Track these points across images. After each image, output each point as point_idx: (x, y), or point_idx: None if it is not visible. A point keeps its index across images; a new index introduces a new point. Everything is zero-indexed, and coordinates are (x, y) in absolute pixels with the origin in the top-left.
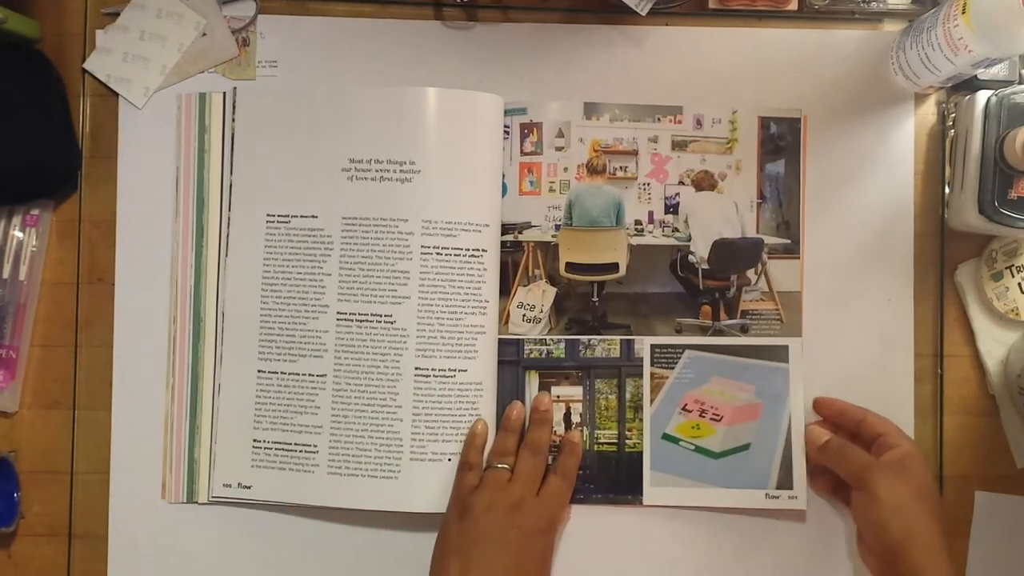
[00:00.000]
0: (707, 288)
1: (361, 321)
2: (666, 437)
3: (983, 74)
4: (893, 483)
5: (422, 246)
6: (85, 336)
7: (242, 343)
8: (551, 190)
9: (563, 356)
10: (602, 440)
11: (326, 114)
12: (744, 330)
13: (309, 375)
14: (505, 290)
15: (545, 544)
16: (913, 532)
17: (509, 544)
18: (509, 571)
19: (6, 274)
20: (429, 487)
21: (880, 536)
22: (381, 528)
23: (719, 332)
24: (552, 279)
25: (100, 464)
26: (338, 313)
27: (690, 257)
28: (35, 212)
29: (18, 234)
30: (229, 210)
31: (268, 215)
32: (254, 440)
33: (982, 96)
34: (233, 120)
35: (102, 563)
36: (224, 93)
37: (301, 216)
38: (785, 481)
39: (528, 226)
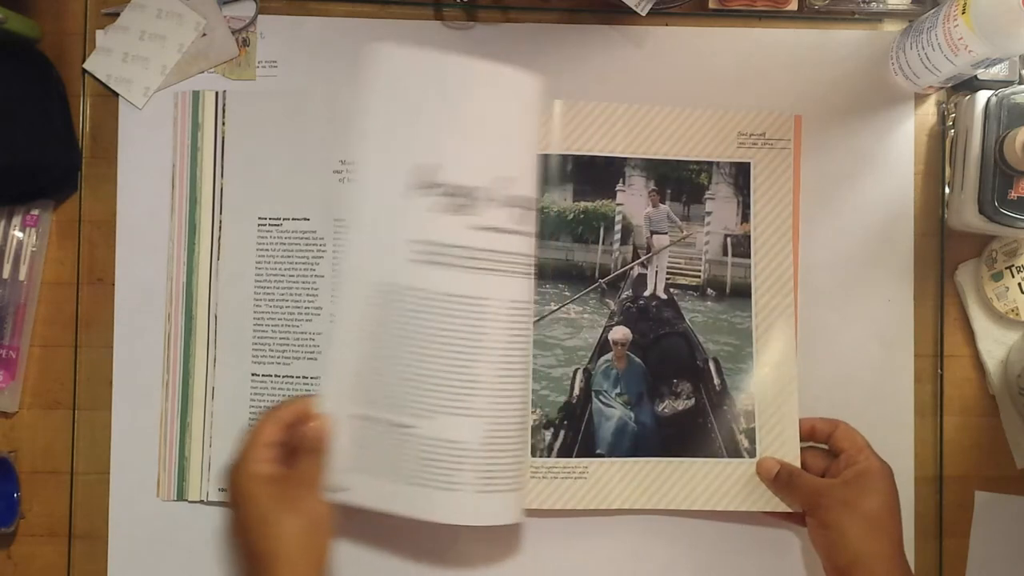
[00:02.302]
0: None
1: None
2: None
3: (983, 74)
4: (840, 509)
5: None
6: (85, 336)
7: (235, 346)
8: None
9: None
10: None
11: (316, 115)
12: None
13: (303, 377)
14: None
15: None
16: (859, 557)
17: None
18: None
19: (6, 274)
20: None
21: (829, 560)
22: (379, 525)
23: None
24: None
25: (100, 464)
26: (332, 315)
27: None
28: (35, 212)
29: (18, 234)
30: (220, 213)
31: (260, 218)
32: None
33: (982, 96)
34: (223, 124)
35: (102, 563)
36: (216, 94)
37: (293, 219)
38: None
39: None
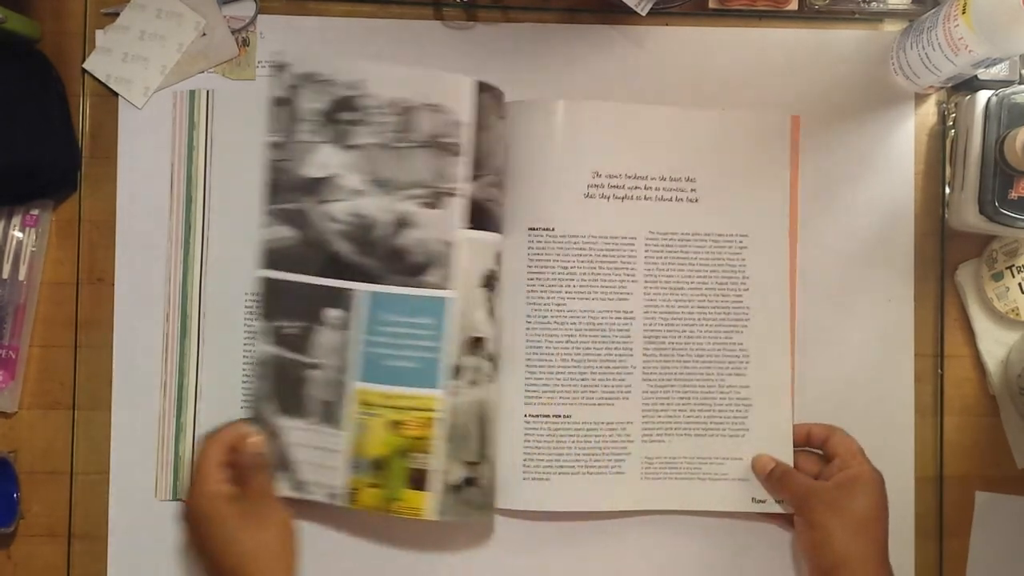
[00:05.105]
0: None
1: None
2: None
3: (983, 74)
4: (828, 510)
5: None
6: (85, 336)
7: (224, 347)
8: None
9: None
10: None
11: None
12: None
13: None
14: None
15: None
16: (844, 559)
17: None
18: None
19: (6, 274)
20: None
21: (813, 560)
22: (377, 525)
23: None
24: None
25: (100, 464)
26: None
27: None
28: (35, 212)
29: (18, 234)
30: (208, 211)
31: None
32: None
33: (982, 96)
34: (209, 125)
35: (102, 563)
36: (206, 92)
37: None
38: None
39: None
